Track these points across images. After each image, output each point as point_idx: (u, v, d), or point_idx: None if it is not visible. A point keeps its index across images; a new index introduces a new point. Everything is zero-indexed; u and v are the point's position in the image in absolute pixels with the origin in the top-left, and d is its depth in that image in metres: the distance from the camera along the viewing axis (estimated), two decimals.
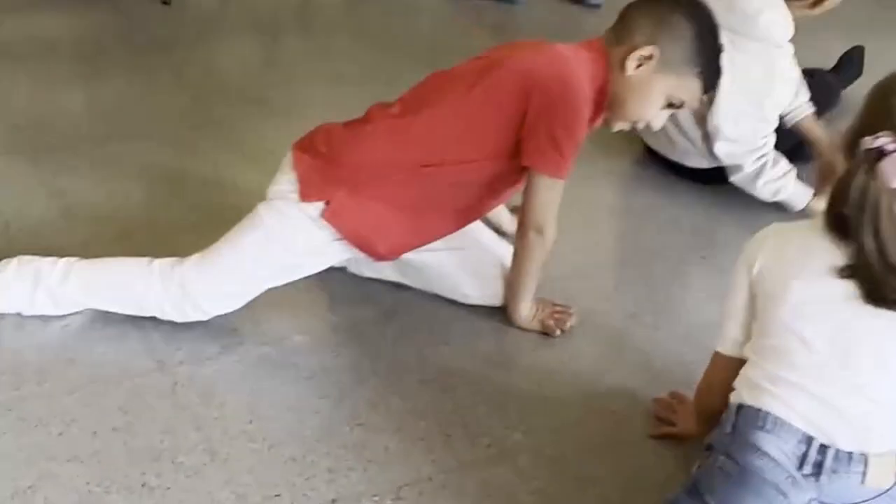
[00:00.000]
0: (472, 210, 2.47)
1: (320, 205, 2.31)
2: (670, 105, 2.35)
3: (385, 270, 2.59)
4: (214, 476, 2.04)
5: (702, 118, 3.01)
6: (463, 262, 2.52)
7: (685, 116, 3.03)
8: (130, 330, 2.39)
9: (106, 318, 2.40)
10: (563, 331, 2.47)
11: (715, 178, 3.12)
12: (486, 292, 2.53)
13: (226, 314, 2.41)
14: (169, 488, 2.00)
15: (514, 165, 2.33)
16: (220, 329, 2.42)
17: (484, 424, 2.21)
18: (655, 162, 3.26)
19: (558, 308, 2.51)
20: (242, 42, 4.01)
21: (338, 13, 4.40)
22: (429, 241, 2.46)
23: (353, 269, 2.63)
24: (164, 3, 4.11)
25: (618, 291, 2.72)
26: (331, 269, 2.59)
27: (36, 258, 2.40)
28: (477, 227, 2.57)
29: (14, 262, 2.39)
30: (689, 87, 2.33)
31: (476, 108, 2.29)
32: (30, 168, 3.02)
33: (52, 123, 3.29)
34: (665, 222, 3.02)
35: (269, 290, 2.48)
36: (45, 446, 2.07)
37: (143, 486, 2.00)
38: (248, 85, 3.51)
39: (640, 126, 2.41)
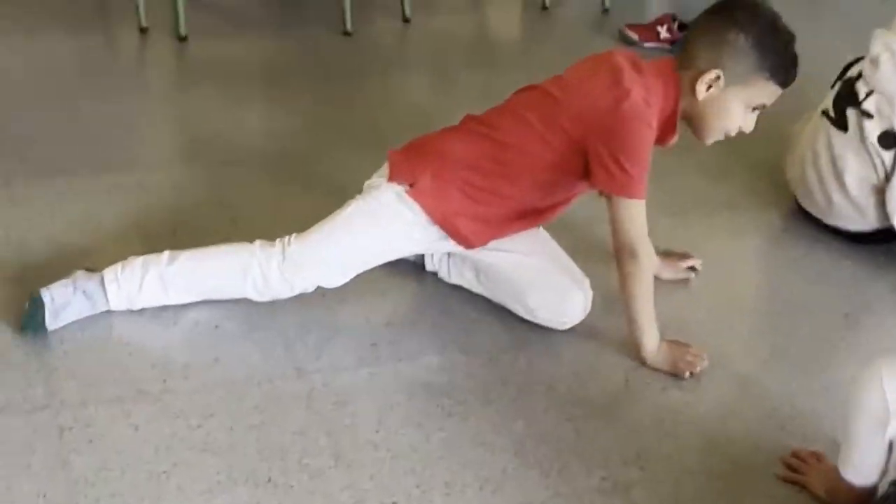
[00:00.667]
0: (540, 212, 2.62)
1: (406, 186, 2.49)
2: (754, 109, 2.46)
3: (467, 275, 2.69)
4: (337, 479, 2.13)
5: (880, 191, 2.92)
6: (534, 273, 2.59)
7: (855, 183, 2.94)
8: (275, 337, 2.52)
9: (252, 325, 2.54)
10: (692, 373, 2.48)
11: (873, 240, 3.04)
12: (547, 304, 2.58)
13: (366, 329, 2.56)
14: (292, 486, 2.11)
15: (578, 179, 2.50)
16: (360, 343, 2.53)
17: (602, 456, 2.24)
18: (807, 218, 3.21)
19: (691, 350, 2.52)
20: (416, 75, 4.13)
21: (511, 52, 4.50)
22: (500, 236, 2.59)
23: (442, 274, 2.74)
24: (346, 34, 4.27)
25: (753, 339, 2.71)
26: (467, 295, 2.68)
27: (141, 256, 2.52)
28: (556, 248, 2.66)
29: (122, 262, 2.51)
30: (764, 92, 2.44)
31: (545, 128, 2.46)
32: (204, 179, 3.19)
33: (230, 139, 3.46)
34: (811, 275, 2.97)
35: (410, 308, 2.58)
36: (183, 436, 2.21)
37: (268, 481, 2.11)
38: (415, 115, 3.62)
39: (732, 135, 2.50)
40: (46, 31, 4.12)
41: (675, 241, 2.92)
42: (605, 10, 4.76)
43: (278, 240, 2.51)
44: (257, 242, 2.52)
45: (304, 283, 2.52)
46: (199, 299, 2.55)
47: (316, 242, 2.51)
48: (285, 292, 2.52)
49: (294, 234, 2.52)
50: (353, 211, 2.53)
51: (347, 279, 2.55)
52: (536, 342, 2.58)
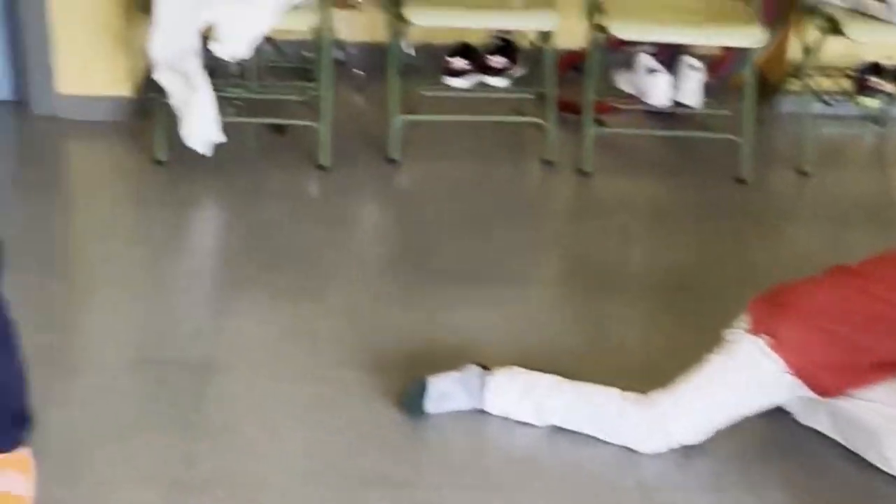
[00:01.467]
0: None
1: (768, 338, 2.51)
2: None
3: (821, 419, 2.68)
4: None
5: None
6: (892, 422, 2.55)
7: None
8: (623, 450, 2.64)
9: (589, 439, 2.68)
10: None
11: None
12: None
13: (714, 458, 2.64)
14: None
15: None
16: (707, 470, 2.62)
17: None
18: None
19: None
20: (805, 227, 4.11)
21: None
22: (860, 386, 2.55)
23: (797, 415, 2.74)
24: (741, 181, 4.35)
25: None
26: (821, 438, 2.68)
27: (525, 371, 2.73)
28: None
29: (508, 370, 2.73)
30: None
31: None
32: (579, 300, 3.40)
33: (612, 268, 3.66)
34: None
35: (761, 443, 2.66)
36: None
37: None
38: (796, 265, 3.58)
39: None
40: (462, 160, 4.49)
41: None
42: None
43: (646, 397, 2.63)
44: (631, 396, 2.65)
45: (668, 441, 2.62)
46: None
47: (687, 404, 2.60)
48: (648, 446, 2.63)
49: (664, 391, 2.62)
50: (715, 367, 2.60)
51: (709, 435, 2.62)
52: (889, 494, 2.53)
